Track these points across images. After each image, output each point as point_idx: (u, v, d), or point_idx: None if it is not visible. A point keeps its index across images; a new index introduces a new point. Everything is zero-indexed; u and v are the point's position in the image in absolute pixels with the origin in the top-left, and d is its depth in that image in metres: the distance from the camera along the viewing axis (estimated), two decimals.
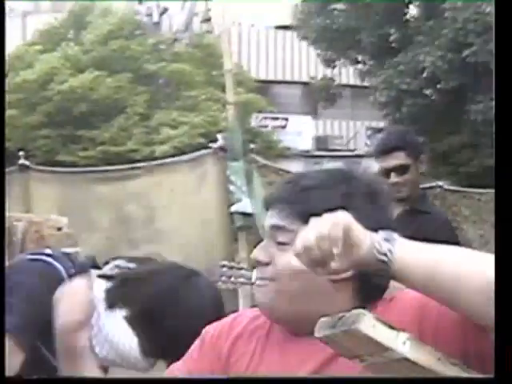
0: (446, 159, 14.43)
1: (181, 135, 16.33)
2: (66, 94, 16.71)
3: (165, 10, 17.46)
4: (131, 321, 2.02)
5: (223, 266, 2.99)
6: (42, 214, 6.05)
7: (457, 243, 3.55)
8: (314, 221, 1.42)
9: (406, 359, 1.37)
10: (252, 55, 23.72)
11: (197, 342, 1.70)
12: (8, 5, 17.31)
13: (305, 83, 22.52)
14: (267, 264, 1.56)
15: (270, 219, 1.57)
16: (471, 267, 1.38)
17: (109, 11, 18.61)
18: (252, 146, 8.39)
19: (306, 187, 1.57)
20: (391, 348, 1.37)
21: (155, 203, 7.79)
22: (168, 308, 2.00)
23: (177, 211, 7.66)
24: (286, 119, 23.41)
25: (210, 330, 1.71)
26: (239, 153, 7.38)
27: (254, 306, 1.69)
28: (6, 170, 7.17)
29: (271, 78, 23.88)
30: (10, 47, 16.19)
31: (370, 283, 1.52)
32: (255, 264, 1.57)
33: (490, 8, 11.84)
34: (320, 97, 18.90)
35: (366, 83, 16.47)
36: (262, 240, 1.62)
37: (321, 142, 24.01)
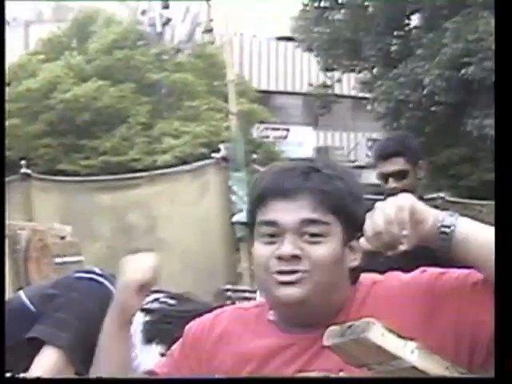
0: (445, 172, 14.45)
1: (183, 145, 16.34)
2: (69, 103, 16.74)
3: (168, 21, 17.51)
4: None
5: (227, 290, 3.01)
6: (43, 222, 6.06)
7: None
8: (379, 206, 1.45)
9: (414, 368, 1.38)
10: (253, 66, 23.78)
11: (180, 340, 1.70)
12: (10, 14, 17.37)
13: (306, 94, 22.55)
14: (299, 258, 1.53)
15: (298, 213, 1.53)
16: None
17: (112, 21, 18.67)
18: (254, 156, 8.42)
19: (329, 176, 1.57)
20: (399, 357, 1.38)
21: (157, 212, 7.80)
22: None
23: (178, 221, 7.67)
24: (287, 130, 23.44)
25: (191, 328, 1.70)
26: (241, 163, 7.41)
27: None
28: (8, 179, 7.20)
29: (272, 88, 23.92)
30: (13, 57, 16.22)
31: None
32: (287, 259, 1.53)
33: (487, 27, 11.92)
34: (317, 103, 18.95)
35: (365, 94, 16.51)
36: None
37: (321, 152, 24.04)
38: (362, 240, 1.47)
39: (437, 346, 1.43)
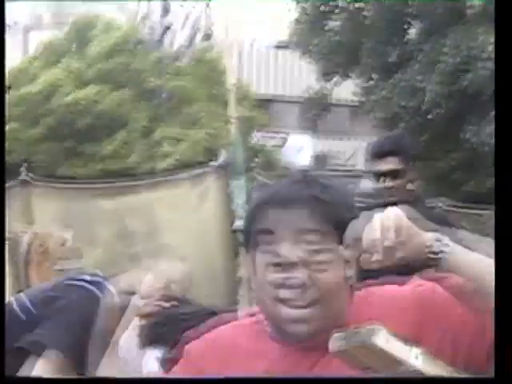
0: (443, 178, 14.48)
1: (182, 150, 16.35)
2: (69, 107, 16.75)
3: (168, 27, 17.52)
4: (163, 363, 2.02)
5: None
6: (43, 227, 6.07)
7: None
8: (376, 216, 1.47)
9: (419, 373, 1.41)
10: (252, 72, 23.79)
11: (181, 361, 1.67)
12: (11, 18, 17.39)
13: (302, 102, 22.57)
14: (296, 265, 1.54)
15: (297, 222, 1.54)
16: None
17: (111, 26, 18.69)
18: (254, 163, 8.43)
19: (326, 186, 1.61)
20: (404, 362, 1.40)
21: (156, 218, 7.81)
22: None
23: (178, 226, 7.67)
24: (286, 137, 23.43)
25: (192, 348, 1.68)
26: (241, 170, 7.42)
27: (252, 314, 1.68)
28: (8, 184, 7.18)
29: (271, 95, 23.93)
30: (13, 61, 16.23)
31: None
32: (285, 265, 1.54)
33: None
34: (313, 108, 18.95)
35: (364, 100, 16.53)
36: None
37: (320, 159, 24.02)
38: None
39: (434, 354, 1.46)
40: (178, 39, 18.07)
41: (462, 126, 13.34)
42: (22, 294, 3.39)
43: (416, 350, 1.41)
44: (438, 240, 1.46)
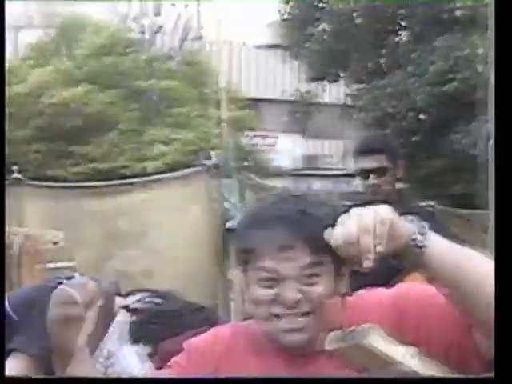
0: (429, 181, 14.59)
1: (172, 152, 16.35)
2: (58, 107, 16.71)
3: (159, 28, 17.53)
4: (154, 360, 2.02)
5: None
6: (35, 228, 6.07)
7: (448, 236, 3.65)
8: (356, 213, 1.42)
9: (414, 373, 1.41)
10: (242, 73, 23.81)
11: (184, 353, 1.70)
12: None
13: (294, 102, 22.61)
14: (285, 280, 1.57)
15: (297, 261, 1.55)
16: (488, 267, 1.46)
17: (100, 27, 18.68)
18: (245, 163, 8.44)
19: (318, 218, 1.57)
20: (400, 362, 1.41)
21: (147, 219, 7.79)
22: None
23: (168, 227, 7.66)
24: (276, 137, 23.46)
25: (192, 344, 1.71)
26: (232, 170, 7.44)
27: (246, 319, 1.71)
28: None
29: (261, 96, 23.95)
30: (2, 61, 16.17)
31: None
32: (274, 281, 1.57)
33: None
34: (302, 110, 19.01)
35: (353, 103, 16.61)
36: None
37: (310, 160, 24.06)
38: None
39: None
40: (169, 41, 18.09)
41: (449, 129, 13.43)
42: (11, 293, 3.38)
43: (412, 350, 1.42)
44: (422, 233, 1.46)
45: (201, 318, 2.11)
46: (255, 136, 21.30)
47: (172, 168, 12.26)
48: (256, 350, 1.64)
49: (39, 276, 4.78)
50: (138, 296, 2.15)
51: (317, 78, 16.81)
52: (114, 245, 7.60)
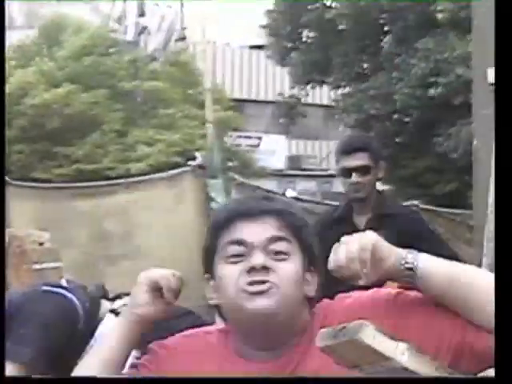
0: (411, 182, 14.70)
1: (157, 153, 16.32)
2: (40, 108, 16.64)
3: (143, 29, 17.48)
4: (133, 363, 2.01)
5: None
6: (21, 229, 6.03)
7: (432, 233, 3.69)
8: (344, 241, 1.57)
9: (405, 369, 1.42)
10: (226, 74, 23.81)
11: (152, 355, 1.71)
12: None
13: (278, 102, 22.65)
14: (267, 270, 1.62)
15: (264, 232, 1.65)
16: (481, 279, 1.55)
17: (82, 27, 18.63)
18: (230, 164, 8.45)
19: (288, 202, 1.72)
20: (391, 358, 1.42)
21: (133, 220, 7.78)
22: None
23: (154, 228, 7.65)
24: (260, 138, 23.49)
25: (162, 346, 1.72)
26: (218, 170, 7.44)
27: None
28: None
29: (245, 97, 23.97)
30: None
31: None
32: (258, 270, 1.62)
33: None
34: (285, 114, 19.05)
35: (336, 105, 16.68)
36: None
37: (294, 161, 24.11)
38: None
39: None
40: (153, 41, 18.04)
41: (432, 131, 13.52)
42: None
43: (403, 346, 1.43)
44: (411, 252, 1.56)
45: (188, 321, 2.11)
46: (239, 137, 21.32)
47: (156, 169, 12.26)
48: (220, 360, 1.67)
49: (26, 277, 4.76)
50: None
51: (301, 83, 16.86)
52: (100, 246, 7.59)
